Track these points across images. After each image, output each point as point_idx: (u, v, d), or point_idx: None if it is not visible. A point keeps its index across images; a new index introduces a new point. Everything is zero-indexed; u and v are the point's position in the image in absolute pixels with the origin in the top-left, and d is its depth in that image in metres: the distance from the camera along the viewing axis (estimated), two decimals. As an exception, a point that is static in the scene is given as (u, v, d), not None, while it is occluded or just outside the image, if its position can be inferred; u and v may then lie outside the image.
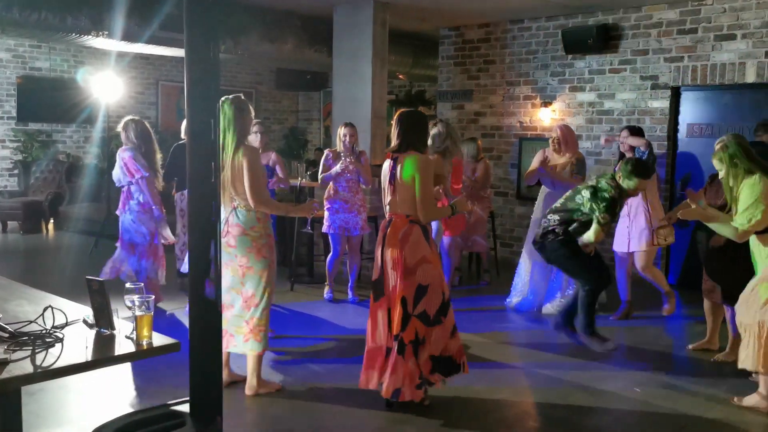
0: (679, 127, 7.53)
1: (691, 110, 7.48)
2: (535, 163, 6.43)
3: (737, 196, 4.13)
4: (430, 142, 5.46)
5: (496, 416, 4.08)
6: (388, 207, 4.06)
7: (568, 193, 5.11)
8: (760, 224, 4.04)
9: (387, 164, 4.08)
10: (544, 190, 6.48)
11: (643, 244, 5.89)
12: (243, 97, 4.30)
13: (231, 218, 4.12)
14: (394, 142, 4.04)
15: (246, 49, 8.48)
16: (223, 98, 4.18)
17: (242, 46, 8.41)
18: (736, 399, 4.28)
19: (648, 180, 4.85)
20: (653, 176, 5.77)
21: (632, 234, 5.94)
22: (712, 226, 4.31)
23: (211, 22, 2.66)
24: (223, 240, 4.12)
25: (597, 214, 4.78)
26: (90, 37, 7.54)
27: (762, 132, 6.09)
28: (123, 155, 5.66)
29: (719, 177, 4.40)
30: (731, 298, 4.66)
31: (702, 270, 5.12)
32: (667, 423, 4.03)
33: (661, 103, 7.51)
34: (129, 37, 7.64)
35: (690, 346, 5.36)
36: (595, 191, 4.82)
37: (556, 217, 5.02)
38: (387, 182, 4.03)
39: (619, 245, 6.09)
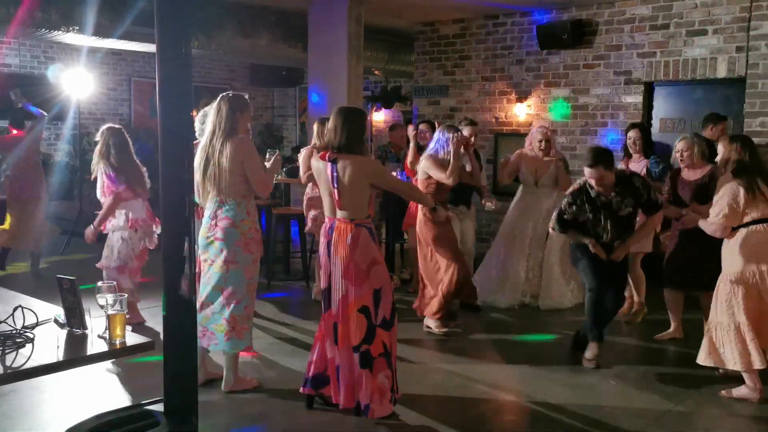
0: (652, 121, 7.61)
1: (663, 105, 7.56)
2: (511, 161, 6.45)
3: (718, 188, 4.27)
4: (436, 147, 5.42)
5: (475, 411, 4.10)
6: (330, 211, 3.86)
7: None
8: (729, 219, 4.15)
9: (324, 166, 3.81)
10: (523, 194, 6.50)
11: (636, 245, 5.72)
12: (245, 97, 4.26)
13: (219, 212, 4.08)
14: (332, 140, 3.79)
15: (220, 44, 8.40)
16: (221, 95, 4.17)
17: (216, 42, 8.33)
18: (725, 392, 4.34)
19: (591, 168, 4.48)
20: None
21: None
22: (702, 225, 4.41)
23: (183, 17, 2.63)
24: (209, 234, 4.09)
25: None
26: (60, 32, 7.41)
27: (710, 124, 6.20)
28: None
29: (716, 159, 4.49)
30: (703, 285, 4.75)
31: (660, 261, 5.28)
32: (642, 415, 4.07)
33: (635, 98, 7.57)
34: (100, 32, 7.52)
35: (656, 336, 5.46)
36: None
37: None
38: (331, 185, 3.79)
39: None
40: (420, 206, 5.45)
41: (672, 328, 5.43)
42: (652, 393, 4.39)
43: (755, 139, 6.62)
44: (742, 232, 4.18)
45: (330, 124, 3.84)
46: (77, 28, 7.33)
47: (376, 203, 7.75)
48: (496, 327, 5.94)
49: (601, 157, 4.48)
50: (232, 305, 4.10)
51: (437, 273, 5.49)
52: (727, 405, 4.22)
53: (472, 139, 6.12)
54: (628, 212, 4.63)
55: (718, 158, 4.43)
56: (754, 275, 4.14)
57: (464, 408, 4.13)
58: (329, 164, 3.78)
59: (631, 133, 6.01)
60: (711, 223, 4.24)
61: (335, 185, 3.76)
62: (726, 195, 4.16)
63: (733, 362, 4.21)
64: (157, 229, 5.60)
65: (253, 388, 4.27)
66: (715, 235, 4.26)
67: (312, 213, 6.26)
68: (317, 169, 3.90)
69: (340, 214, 3.81)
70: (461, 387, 4.46)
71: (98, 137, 5.53)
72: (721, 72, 6.94)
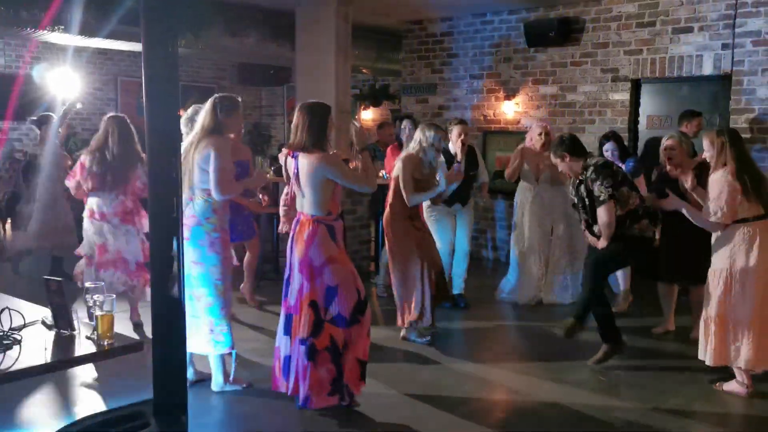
0: (639, 118, 7.65)
1: (650, 102, 7.60)
2: (515, 157, 6.45)
3: (709, 186, 4.28)
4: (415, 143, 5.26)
5: (464, 409, 4.10)
6: (298, 205, 3.94)
7: None
8: (727, 217, 4.16)
9: (288, 161, 3.89)
10: (524, 190, 6.52)
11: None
12: (235, 98, 4.25)
13: (188, 210, 4.07)
14: (295, 137, 3.83)
15: (207, 43, 8.36)
16: (213, 96, 4.18)
17: (203, 41, 8.28)
18: (717, 384, 4.38)
19: (554, 157, 4.77)
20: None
21: None
22: (689, 215, 4.41)
23: (170, 15, 2.61)
24: None
25: None
26: (46, 31, 7.35)
27: (685, 121, 6.24)
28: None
29: (703, 156, 4.51)
30: (697, 280, 4.79)
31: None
32: (631, 411, 4.10)
33: (622, 96, 7.61)
34: (87, 31, 7.46)
35: (653, 330, 5.54)
36: None
37: None
38: (294, 181, 3.87)
39: None
40: (388, 206, 5.31)
41: (665, 321, 5.51)
42: (642, 389, 4.41)
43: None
44: (733, 228, 4.20)
45: (296, 120, 3.87)
46: (63, 27, 7.27)
47: (365, 201, 7.75)
48: (481, 325, 5.95)
49: (553, 144, 4.86)
50: (205, 308, 4.08)
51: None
52: (717, 401, 4.25)
53: (462, 136, 6.07)
54: (591, 202, 4.58)
55: (705, 154, 4.45)
56: (738, 272, 4.18)
57: (454, 406, 4.13)
58: (293, 161, 3.85)
59: (608, 146, 6.01)
60: (708, 221, 4.24)
61: (296, 181, 3.85)
62: (724, 193, 4.15)
63: (705, 354, 4.30)
64: (123, 229, 5.36)
65: (242, 388, 4.26)
66: (712, 231, 4.30)
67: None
68: (288, 165, 3.96)
69: (303, 209, 3.88)
70: (452, 385, 4.46)
71: (101, 125, 5.39)
72: (707, 69, 6.98)
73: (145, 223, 5.42)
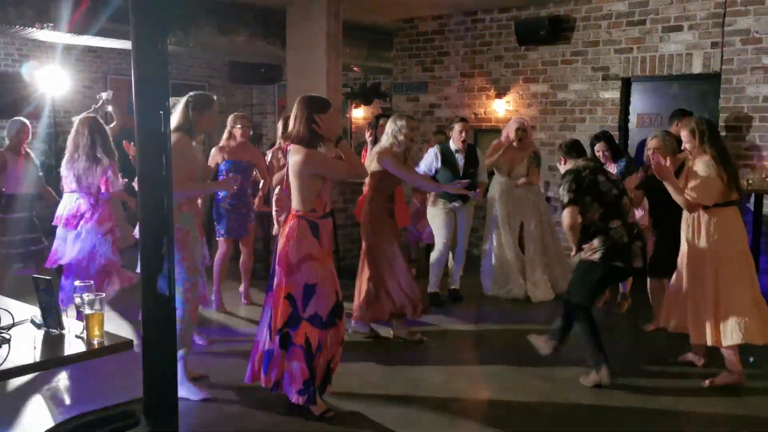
0: (629, 117, 7.68)
1: (640, 100, 7.63)
2: (492, 151, 6.50)
3: (691, 170, 4.38)
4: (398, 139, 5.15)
5: (456, 406, 4.11)
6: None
7: None
8: (706, 200, 4.28)
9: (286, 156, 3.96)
10: (495, 183, 6.57)
11: None
12: (209, 97, 4.22)
13: None
14: (292, 128, 3.81)
15: (198, 41, 8.33)
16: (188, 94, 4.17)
17: (194, 39, 8.26)
18: (708, 381, 4.39)
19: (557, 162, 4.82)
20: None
21: None
22: (670, 190, 4.44)
23: (159, 13, 2.60)
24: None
25: None
26: (34, 29, 7.31)
27: (676, 120, 6.26)
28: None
29: (683, 147, 4.56)
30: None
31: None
32: (620, 410, 4.11)
33: (612, 94, 7.63)
34: (76, 28, 7.43)
35: (644, 327, 5.58)
36: None
37: None
38: (287, 175, 3.95)
39: None
40: (366, 202, 5.25)
41: (655, 318, 5.52)
42: (631, 387, 4.42)
43: (730, 134, 6.74)
44: (712, 213, 4.31)
45: (292, 113, 3.86)
46: (52, 24, 7.23)
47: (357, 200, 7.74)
48: (481, 321, 5.96)
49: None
50: None
51: (361, 273, 5.30)
52: (706, 400, 4.26)
53: (464, 134, 6.15)
54: None
55: (685, 145, 4.51)
56: (721, 254, 4.30)
57: (445, 403, 4.14)
58: (287, 154, 3.89)
59: (598, 146, 5.98)
60: (687, 200, 4.32)
61: (287, 175, 3.88)
62: (703, 176, 4.27)
63: (695, 333, 4.39)
64: (75, 233, 5.25)
65: (196, 377, 4.27)
66: (689, 211, 4.39)
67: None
68: (286, 159, 3.98)
69: (292, 203, 3.88)
70: (443, 383, 4.47)
71: (78, 128, 5.30)
72: (697, 67, 7.01)
73: (103, 227, 5.31)
